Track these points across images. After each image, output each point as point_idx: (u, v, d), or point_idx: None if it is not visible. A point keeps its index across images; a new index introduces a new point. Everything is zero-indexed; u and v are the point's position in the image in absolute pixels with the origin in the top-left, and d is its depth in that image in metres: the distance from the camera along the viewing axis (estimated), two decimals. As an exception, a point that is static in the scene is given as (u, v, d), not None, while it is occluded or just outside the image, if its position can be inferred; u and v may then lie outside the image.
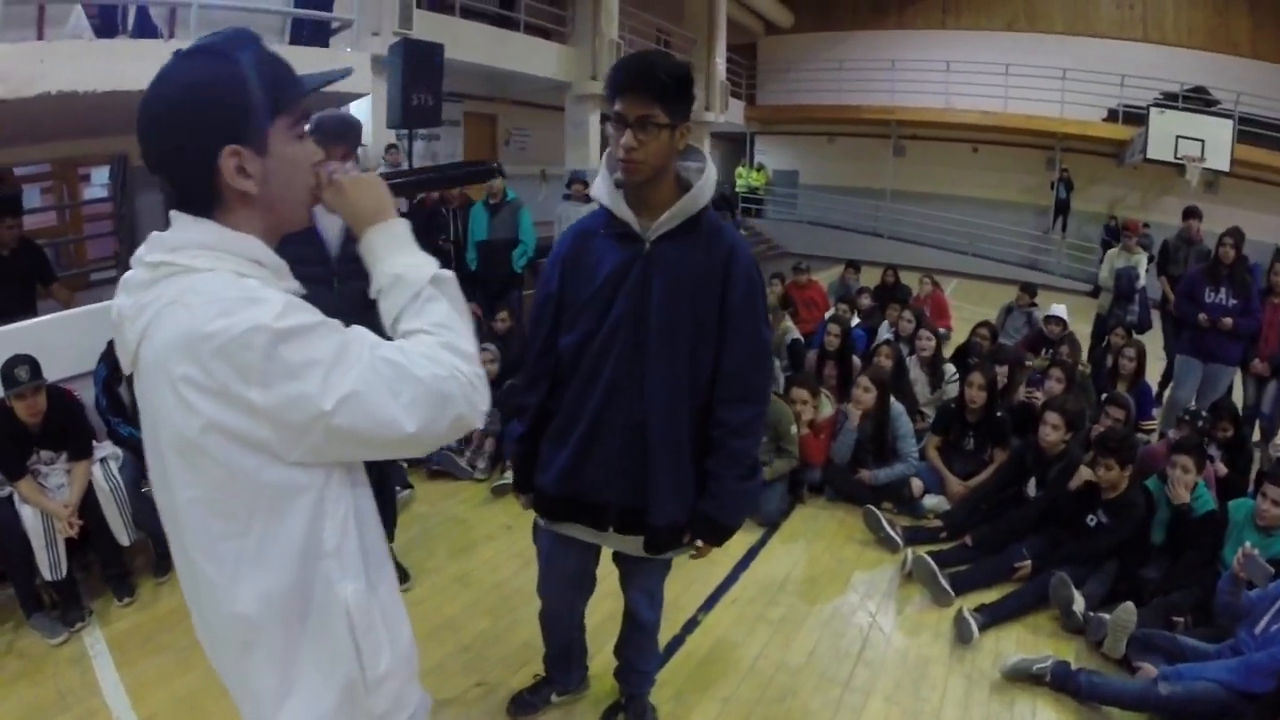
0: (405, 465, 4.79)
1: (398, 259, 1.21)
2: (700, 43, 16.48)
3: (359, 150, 3.29)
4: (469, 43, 10.15)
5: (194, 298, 1.03)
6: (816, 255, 16.04)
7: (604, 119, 1.98)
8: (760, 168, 20.50)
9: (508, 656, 3.24)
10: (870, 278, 9.58)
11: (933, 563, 3.67)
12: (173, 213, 1.14)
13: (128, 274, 1.14)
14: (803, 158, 20.36)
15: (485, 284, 7.23)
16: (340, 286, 2.99)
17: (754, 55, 20.43)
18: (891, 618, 3.57)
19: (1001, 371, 5.15)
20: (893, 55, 17.87)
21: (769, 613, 3.57)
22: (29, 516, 3.46)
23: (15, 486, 3.51)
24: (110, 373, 4.02)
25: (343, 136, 3.08)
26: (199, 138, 1.08)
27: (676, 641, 3.35)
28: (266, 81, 1.12)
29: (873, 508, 4.18)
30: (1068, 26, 16.83)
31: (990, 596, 3.63)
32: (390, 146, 8.79)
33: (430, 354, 1.12)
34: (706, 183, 2.04)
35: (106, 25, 6.26)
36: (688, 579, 3.71)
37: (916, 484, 4.49)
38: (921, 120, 17.60)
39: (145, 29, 6.52)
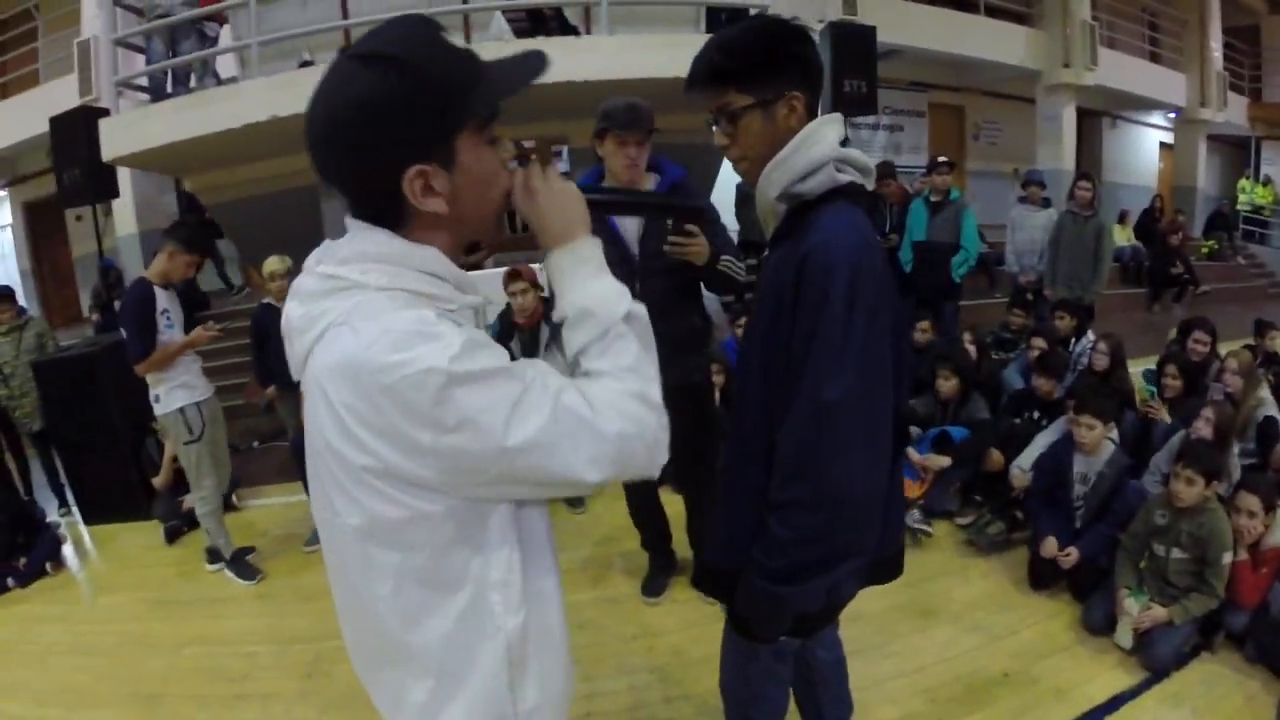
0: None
1: (587, 288, 1.10)
2: (1191, 25, 14.08)
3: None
4: (924, 28, 9.69)
5: (363, 323, 0.97)
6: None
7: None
8: (1267, 182, 16.73)
9: None
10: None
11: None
12: (348, 219, 1.08)
13: (299, 280, 1.09)
14: (1325, 173, 16.24)
15: (919, 289, 6.75)
16: (641, 285, 2.96)
17: (1257, 39, 16.66)
18: None
19: None
20: None
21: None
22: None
23: None
24: (501, 331, 4.55)
25: (631, 124, 2.98)
26: (380, 160, 0.99)
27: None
28: (453, 86, 1.00)
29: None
30: None
31: None
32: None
33: (618, 405, 1.03)
34: (778, 165, 1.57)
35: (534, 27, 6.78)
36: (1026, 703, 3.03)
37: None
38: None
39: (564, 27, 7.01)
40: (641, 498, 3.74)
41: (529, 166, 1.13)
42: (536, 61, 1.08)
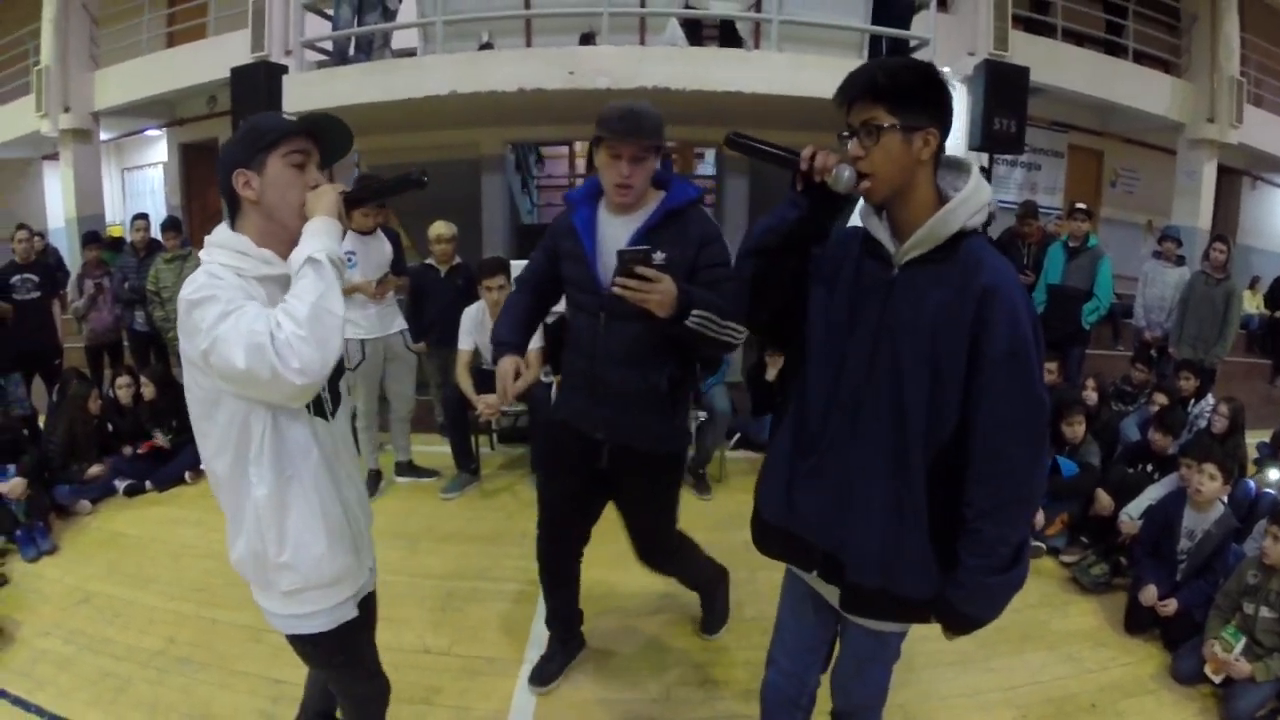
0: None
1: (301, 246, 1.63)
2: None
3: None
4: (1071, 69, 9.56)
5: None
6: None
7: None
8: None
9: None
10: None
11: None
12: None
13: None
14: None
15: (1050, 331, 6.76)
16: (606, 325, 2.58)
17: None
18: None
19: None
20: None
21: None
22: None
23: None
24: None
25: (625, 133, 2.42)
26: (225, 166, 1.72)
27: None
28: (262, 133, 1.72)
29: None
30: None
31: None
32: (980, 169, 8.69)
33: (274, 316, 1.51)
34: (964, 201, 1.72)
35: (690, 37, 7.14)
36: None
37: None
38: None
39: (731, 40, 7.24)
40: (553, 557, 3.04)
41: (317, 187, 1.75)
42: (325, 122, 1.79)
